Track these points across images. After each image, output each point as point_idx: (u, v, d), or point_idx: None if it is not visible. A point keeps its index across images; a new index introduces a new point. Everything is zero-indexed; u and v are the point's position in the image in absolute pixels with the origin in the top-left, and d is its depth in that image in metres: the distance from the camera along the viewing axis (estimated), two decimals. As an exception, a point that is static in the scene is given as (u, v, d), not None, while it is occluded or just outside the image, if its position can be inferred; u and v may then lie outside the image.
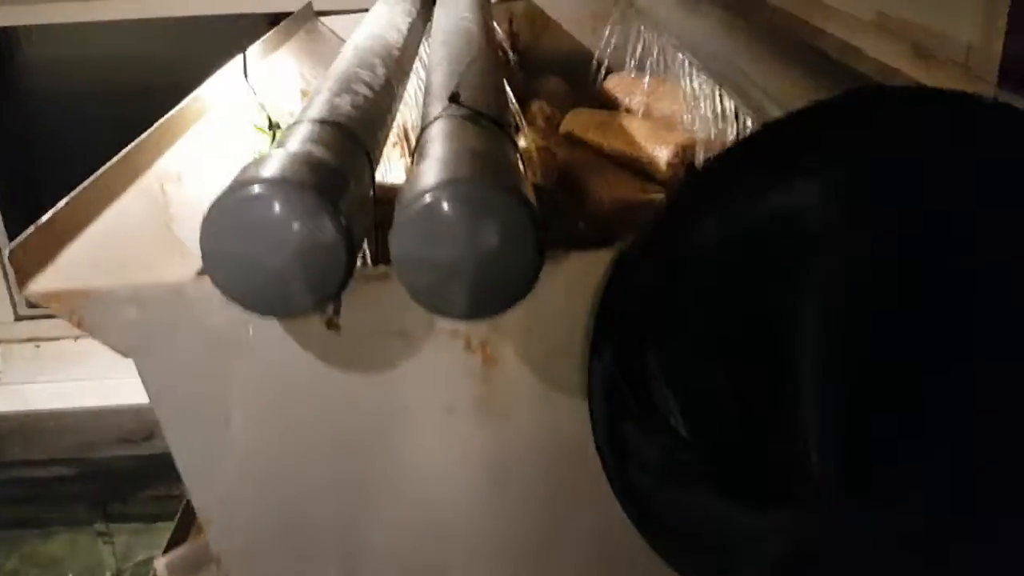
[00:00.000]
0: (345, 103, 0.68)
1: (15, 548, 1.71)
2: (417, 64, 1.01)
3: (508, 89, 0.89)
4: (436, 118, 0.65)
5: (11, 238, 1.76)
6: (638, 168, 1.06)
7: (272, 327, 0.60)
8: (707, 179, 0.58)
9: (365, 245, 0.67)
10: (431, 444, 0.65)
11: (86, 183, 0.70)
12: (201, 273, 0.56)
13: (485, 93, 0.72)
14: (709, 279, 0.58)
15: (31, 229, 0.62)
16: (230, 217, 0.53)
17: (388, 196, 0.73)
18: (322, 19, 1.44)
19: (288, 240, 0.53)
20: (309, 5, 1.41)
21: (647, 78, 1.24)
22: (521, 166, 0.64)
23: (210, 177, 0.87)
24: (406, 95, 0.92)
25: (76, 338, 1.65)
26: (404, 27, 0.98)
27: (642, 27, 1.28)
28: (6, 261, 0.59)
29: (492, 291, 0.53)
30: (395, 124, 0.85)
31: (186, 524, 0.89)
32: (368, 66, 0.80)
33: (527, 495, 0.67)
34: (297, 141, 0.60)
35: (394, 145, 1.10)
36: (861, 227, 0.56)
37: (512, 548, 0.69)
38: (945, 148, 0.56)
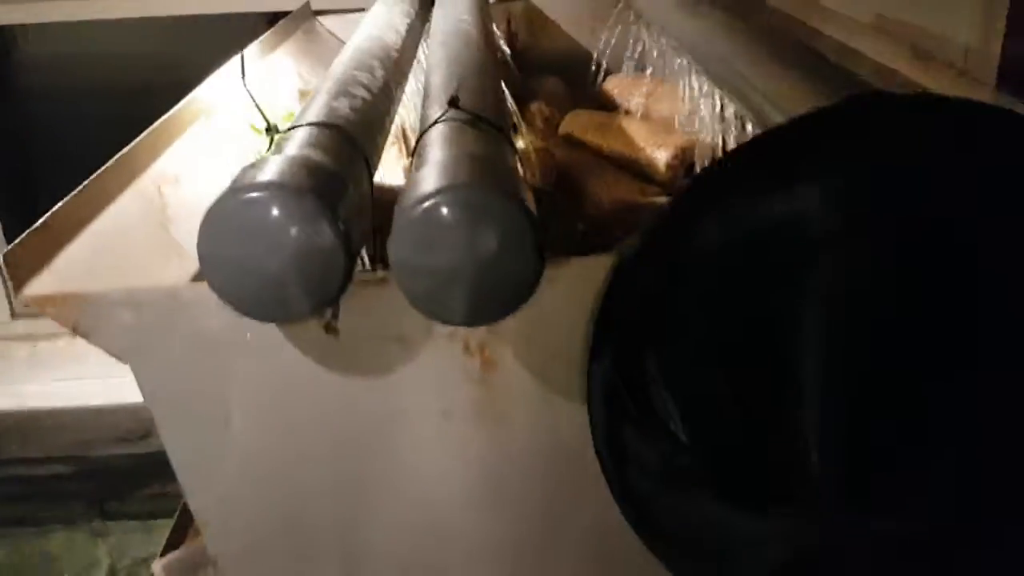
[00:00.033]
0: (343, 106, 0.68)
1: (12, 546, 1.71)
2: (415, 65, 1.01)
3: (507, 90, 0.89)
4: (435, 122, 0.64)
5: (7, 236, 1.76)
6: (637, 170, 1.05)
7: (270, 331, 0.60)
8: (708, 184, 0.58)
9: (363, 249, 0.67)
10: (429, 447, 0.65)
11: (82, 186, 0.70)
12: (198, 277, 0.56)
13: (484, 96, 0.71)
14: (710, 284, 0.58)
15: (27, 233, 0.62)
16: (228, 221, 0.52)
17: (386, 198, 0.73)
18: (320, 18, 1.43)
19: (286, 244, 0.52)
20: (307, 5, 1.41)
21: (646, 79, 1.24)
22: (520, 170, 0.64)
23: (207, 179, 0.87)
24: (404, 96, 0.92)
25: (73, 336, 1.64)
26: (403, 28, 0.98)
27: (641, 28, 1.28)
28: (1, 263, 0.58)
29: (492, 297, 0.53)
30: (393, 125, 0.85)
31: (183, 526, 0.89)
32: (366, 68, 0.79)
33: (525, 499, 0.67)
34: (295, 145, 0.60)
35: (392, 145, 1.10)
36: (862, 233, 0.56)
37: (510, 551, 0.69)
38: (946, 154, 0.55)
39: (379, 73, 0.79)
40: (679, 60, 1.12)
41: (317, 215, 0.52)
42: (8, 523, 1.74)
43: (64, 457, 1.74)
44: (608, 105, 1.28)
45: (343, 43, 1.28)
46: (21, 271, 0.59)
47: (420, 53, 1.05)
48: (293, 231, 0.52)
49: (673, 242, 0.57)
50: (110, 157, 0.76)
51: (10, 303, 1.80)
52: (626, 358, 0.59)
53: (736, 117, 0.97)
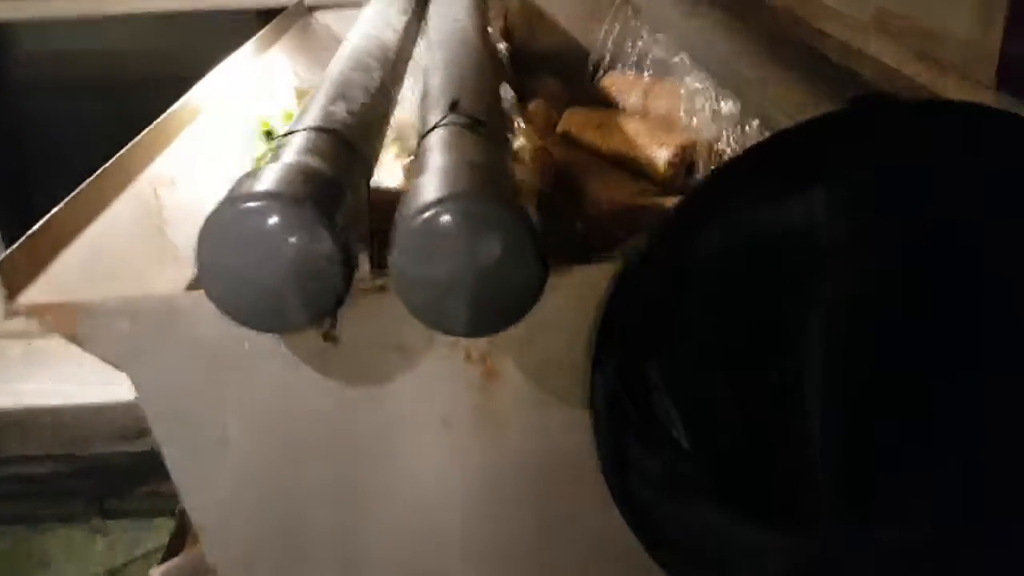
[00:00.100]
0: (341, 110, 0.67)
1: (11, 544, 1.71)
2: (412, 63, 1.00)
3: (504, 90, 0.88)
4: (435, 126, 0.64)
5: (2, 235, 1.75)
6: (636, 169, 1.05)
7: (268, 339, 0.59)
8: (712, 190, 0.57)
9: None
10: (429, 455, 0.64)
11: (77, 191, 0.69)
12: (195, 282, 0.56)
13: (483, 99, 0.71)
14: (713, 290, 0.57)
15: (20, 240, 0.61)
16: (226, 231, 0.52)
17: (385, 200, 0.73)
18: (315, 14, 1.42)
19: (284, 254, 0.52)
20: (301, 1, 1.40)
21: (645, 76, 1.23)
22: (519, 174, 0.63)
23: (204, 180, 0.86)
24: (401, 95, 0.91)
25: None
26: (400, 27, 0.97)
27: (639, 25, 1.27)
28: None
29: (494, 308, 0.53)
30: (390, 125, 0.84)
31: (182, 533, 0.88)
32: (364, 69, 0.79)
33: (526, 507, 0.66)
34: (293, 151, 0.59)
35: (390, 144, 1.09)
36: (868, 237, 0.56)
37: (511, 559, 0.69)
38: (951, 159, 0.55)
39: (377, 74, 0.78)
40: (677, 58, 1.11)
41: (315, 224, 0.51)
42: (7, 521, 1.74)
43: (63, 455, 1.74)
44: (605, 102, 1.27)
45: (339, 39, 1.27)
46: (15, 278, 0.59)
47: (417, 52, 1.04)
48: (291, 240, 0.52)
49: (677, 249, 0.57)
50: (106, 154, 0.75)
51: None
52: (629, 366, 0.59)
53: (735, 116, 0.96)
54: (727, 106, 0.98)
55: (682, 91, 1.09)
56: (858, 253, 0.56)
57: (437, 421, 0.63)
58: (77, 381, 1.68)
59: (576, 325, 0.59)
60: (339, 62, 0.81)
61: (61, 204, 0.66)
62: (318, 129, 0.63)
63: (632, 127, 1.10)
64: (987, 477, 0.60)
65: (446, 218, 0.50)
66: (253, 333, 0.57)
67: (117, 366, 0.61)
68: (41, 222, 0.63)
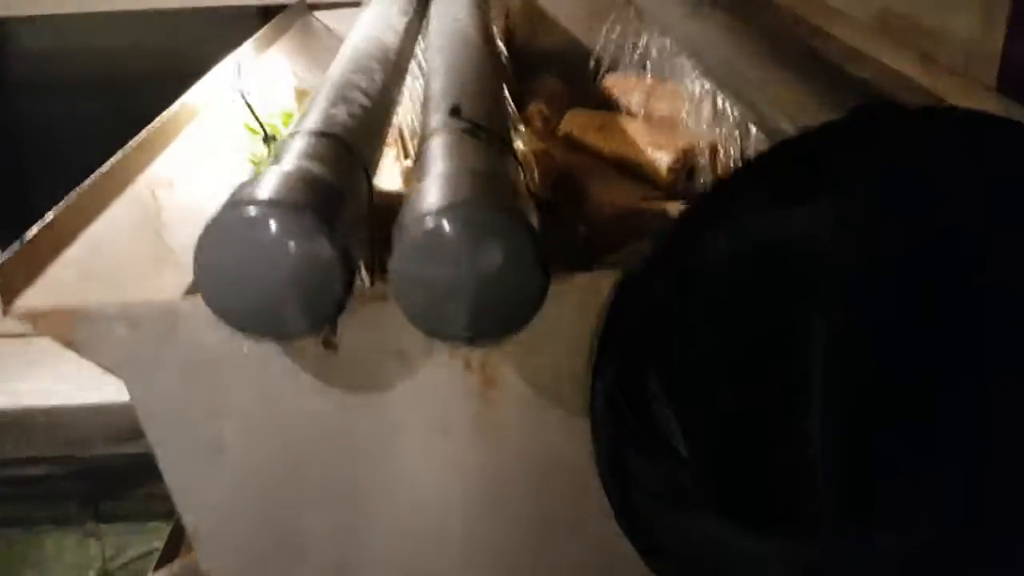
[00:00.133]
0: (342, 113, 0.67)
1: (4, 546, 1.70)
2: (413, 64, 0.99)
3: (507, 93, 0.87)
4: (436, 131, 0.63)
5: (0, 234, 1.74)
6: (638, 172, 1.04)
7: (267, 346, 0.59)
8: (716, 201, 0.57)
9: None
10: (428, 463, 0.64)
11: (74, 193, 0.69)
12: (193, 287, 0.55)
13: (484, 103, 0.70)
14: (714, 300, 0.57)
15: (17, 245, 0.60)
16: (225, 239, 0.51)
17: (385, 204, 0.72)
18: (315, 13, 1.41)
19: (284, 261, 0.51)
20: (302, 1, 1.39)
21: (646, 78, 1.22)
22: (521, 177, 0.62)
23: (202, 182, 0.86)
24: (402, 97, 0.90)
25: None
26: (400, 28, 0.96)
27: (641, 25, 1.26)
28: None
29: (496, 316, 0.52)
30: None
31: (177, 540, 0.88)
32: (365, 71, 0.78)
33: (525, 516, 0.66)
34: (293, 156, 0.58)
35: (390, 146, 1.08)
36: (870, 245, 0.55)
37: (510, 569, 0.68)
38: (954, 166, 0.55)
39: (378, 77, 0.78)
40: (679, 59, 1.10)
41: (315, 231, 0.51)
42: (1, 523, 1.73)
43: (57, 456, 1.73)
44: (607, 103, 1.26)
45: (339, 38, 1.27)
46: (11, 283, 0.58)
47: (418, 51, 1.04)
48: (291, 248, 0.51)
49: (679, 258, 0.56)
50: (105, 151, 0.75)
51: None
52: (629, 375, 0.58)
53: (738, 119, 0.96)
54: (729, 108, 0.98)
55: (684, 93, 1.08)
56: (861, 261, 0.55)
57: (436, 429, 0.62)
58: (74, 382, 1.68)
59: (577, 333, 0.59)
60: (340, 64, 0.81)
61: (58, 207, 0.66)
62: (319, 133, 0.63)
63: (633, 129, 1.09)
64: (988, 486, 0.59)
65: (447, 226, 0.50)
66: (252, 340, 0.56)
67: (115, 373, 0.60)
68: (37, 225, 0.63)
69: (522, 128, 1.06)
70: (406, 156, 1.04)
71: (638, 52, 1.25)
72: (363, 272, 0.70)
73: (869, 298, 0.56)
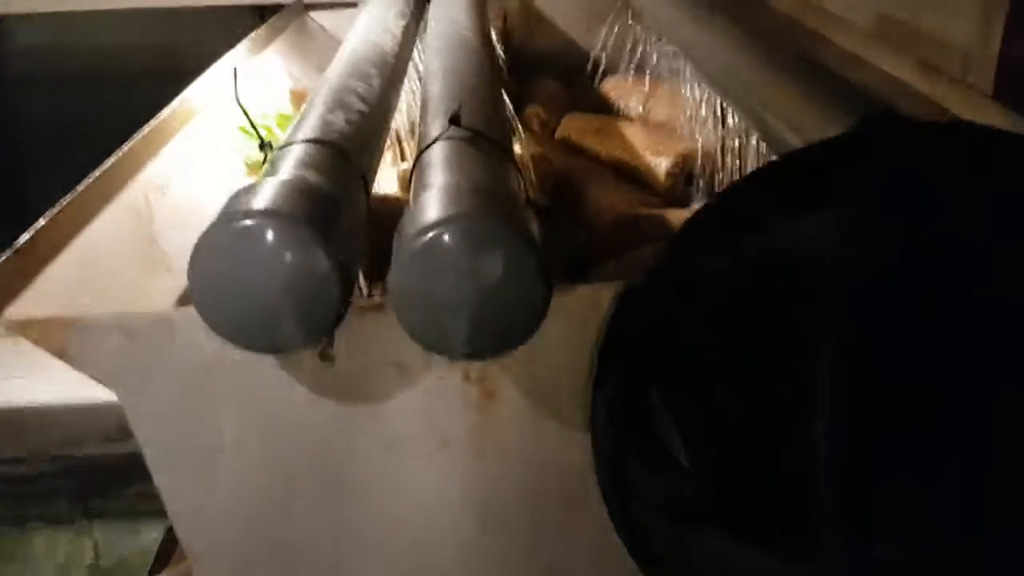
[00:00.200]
0: (339, 120, 0.66)
1: (-5, 544, 1.69)
2: (410, 67, 0.98)
3: (505, 96, 0.86)
4: (436, 140, 0.62)
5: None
6: (636, 177, 1.04)
7: (263, 358, 0.58)
8: (718, 212, 0.56)
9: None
10: (426, 476, 0.63)
11: (66, 199, 0.68)
12: (187, 295, 0.54)
13: (484, 109, 0.69)
14: (716, 312, 0.57)
15: (8, 252, 0.59)
16: (220, 249, 0.50)
17: (382, 211, 0.71)
18: (311, 14, 1.40)
19: (280, 273, 0.50)
20: (299, 1, 1.38)
21: (644, 81, 1.22)
22: (520, 185, 0.62)
23: (195, 186, 0.85)
24: (399, 101, 0.89)
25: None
26: (398, 31, 0.95)
27: (640, 29, 1.26)
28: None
29: (496, 331, 0.51)
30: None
31: (169, 549, 0.87)
32: (363, 76, 0.77)
33: (524, 529, 0.65)
34: (289, 165, 0.57)
35: (387, 149, 1.07)
36: (874, 258, 0.55)
37: (508, 580, 0.68)
38: (958, 180, 0.55)
39: (376, 82, 0.77)
40: (678, 63, 1.10)
41: (311, 243, 0.50)
42: (-9, 521, 1.72)
43: (48, 455, 1.72)
44: (605, 107, 1.26)
45: (335, 40, 1.26)
46: (2, 293, 0.57)
47: (415, 54, 1.03)
48: (287, 259, 0.50)
49: (681, 270, 0.56)
50: (101, 149, 0.74)
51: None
52: (630, 387, 0.58)
53: (737, 123, 0.95)
54: (727, 113, 0.97)
55: (683, 97, 1.08)
56: (865, 273, 0.55)
57: (435, 441, 0.62)
58: (63, 380, 1.66)
59: (577, 345, 0.58)
60: (337, 68, 0.80)
61: (49, 213, 0.65)
62: (315, 141, 0.62)
63: (632, 134, 1.09)
64: (989, 493, 0.59)
65: (448, 238, 0.49)
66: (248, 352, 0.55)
67: (107, 384, 0.59)
68: (27, 234, 0.62)
69: (520, 132, 1.05)
70: (403, 158, 1.04)
71: (637, 55, 1.25)
72: (361, 281, 0.70)
73: (873, 309, 0.56)
